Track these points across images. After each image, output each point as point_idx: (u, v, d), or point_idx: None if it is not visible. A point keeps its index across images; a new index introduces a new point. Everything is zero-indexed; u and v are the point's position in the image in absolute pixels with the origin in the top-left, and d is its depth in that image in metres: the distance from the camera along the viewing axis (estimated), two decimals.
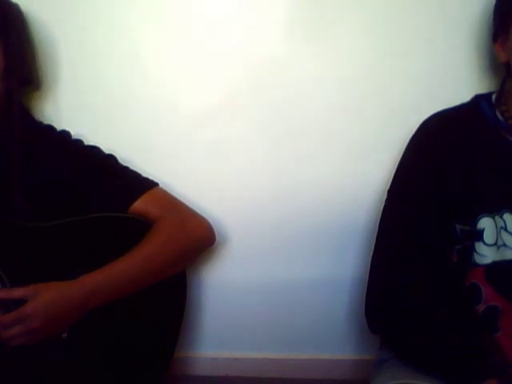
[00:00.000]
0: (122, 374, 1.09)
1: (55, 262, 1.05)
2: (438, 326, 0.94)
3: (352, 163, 1.26)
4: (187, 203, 1.19)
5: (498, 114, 1.00)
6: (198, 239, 1.17)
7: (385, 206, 1.04)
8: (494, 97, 1.03)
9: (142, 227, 1.09)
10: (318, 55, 1.22)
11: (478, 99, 1.04)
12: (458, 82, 1.19)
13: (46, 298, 0.97)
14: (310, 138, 1.26)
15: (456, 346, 0.92)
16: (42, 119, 1.20)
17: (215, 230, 1.19)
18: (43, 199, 1.08)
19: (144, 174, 1.17)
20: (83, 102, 1.26)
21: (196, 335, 1.35)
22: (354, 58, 1.22)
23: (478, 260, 0.97)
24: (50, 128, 1.17)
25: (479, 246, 0.96)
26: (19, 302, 0.97)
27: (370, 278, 1.02)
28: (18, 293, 0.98)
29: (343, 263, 1.29)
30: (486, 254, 0.96)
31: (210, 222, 1.19)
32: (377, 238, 1.04)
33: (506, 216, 0.95)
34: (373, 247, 1.04)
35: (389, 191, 1.05)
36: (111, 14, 1.22)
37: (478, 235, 0.96)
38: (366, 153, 1.23)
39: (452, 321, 0.94)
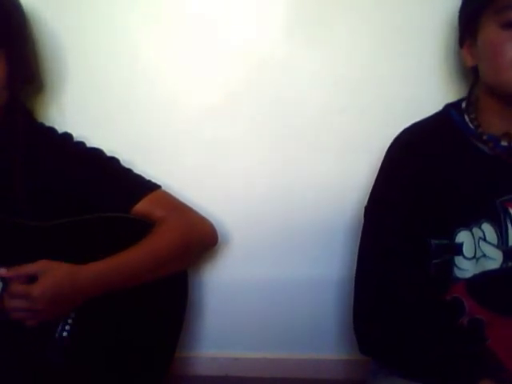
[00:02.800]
0: (122, 374, 1.10)
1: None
2: (426, 339, 0.93)
3: (352, 163, 1.25)
4: (187, 203, 1.19)
5: (468, 122, 0.98)
6: (201, 239, 1.18)
7: (364, 223, 1.04)
8: (463, 104, 1.01)
9: (144, 228, 1.10)
10: (317, 55, 1.21)
11: (447, 108, 1.02)
12: (458, 81, 1.18)
13: (55, 278, 0.98)
14: (310, 138, 1.25)
15: (447, 353, 0.91)
16: (46, 121, 1.21)
17: (217, 231, 1.20)
18: (45, 200, 1.09)
19: (145, 175, 1.17)
20: (85, 103, 1.26)
21: (196, 335, 1.36)
22: (353, 59, 1.21)
23: (459, 274, 0.96)
24: (52, 130, 1.17)
25: (459, 260, 0.95)
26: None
27: (354, 299, 1.02)
28: (29, 269, 0.99)
29: (347, 263, 1.28)
30: (466, 268, 0.95)
31: (213, 223, 1.19)
32: (358, 255, 1.03)
33: (485, 226, 0.94)
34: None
35: (366, 208, 1.04)
36: (112, 14, 1.22)
37: (458, 249, 0.95)
38: (365, 153, 1.22)
39: (440, 331, 0.94)
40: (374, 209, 1.02)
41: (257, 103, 1.25)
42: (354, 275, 1.02)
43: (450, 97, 1.10)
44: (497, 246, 0.94)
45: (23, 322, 0.99)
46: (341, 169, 1.26)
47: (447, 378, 0.91)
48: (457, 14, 1.03)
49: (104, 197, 1.12)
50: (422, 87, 1.20)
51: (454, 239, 0.95)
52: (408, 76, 1.21)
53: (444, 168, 0.97)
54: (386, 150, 1.05)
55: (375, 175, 1.04)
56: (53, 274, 0.98)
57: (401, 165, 1.00)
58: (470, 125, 0.98)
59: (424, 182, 0.97)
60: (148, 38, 1.23)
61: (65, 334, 1.04)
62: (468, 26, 0.97)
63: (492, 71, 0.93)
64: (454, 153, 0.97)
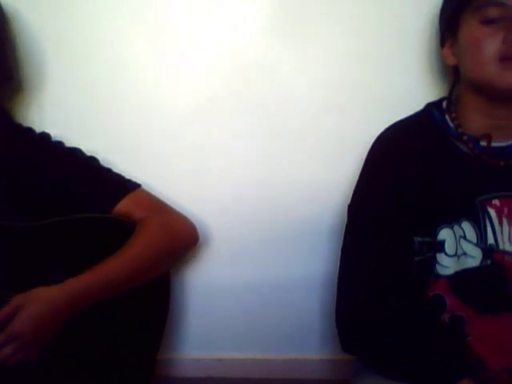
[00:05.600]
0: (105, 376, 1.09)
1: (38, 263, 1.05)
2: (408, 338, 0.93)
3: (338, 164, 1.25)
4: (171, 204, 1.19)
5: (449, 122, 0.99)
6: (181, 239, 1.17)
7: (347, 221, 1.03)
8: (444, 103, 1.02)
9: (125, 227, 1.09)
10: (303, 56, 1.22)
11: (429, 107, 1.03)
12: (444, 83, 1.18)
13: (31, 310, 0.97)
14: (295, 139, 1.25)
15: (431, 351, 0.92)
16: (24, 120, 1.21)
17: (198, 230, 1.19)
18: (24, 200, 1.09)
19: (128, 176, 1.17)
20: (67, 103, 1.25)
21: (179, 336, 1.35)
22: (339, 60, 1.22)
23: (441, 271, 0.96)
24: (30, 130, 1.16)
25: (441, 257, 0.96)
26: None
27: (337, 297, 1.01)
28: (6, 311, 0.97)
29: (330, 263, 1.27)
30: (448, 265, 0.96)
31: (194, 222, 1.19)
32: (341, 253, 1.03)
33: (465, 224, 0.95)
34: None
35: (349, 206, 1.04)
36: (97, 14, 1.22)
37: (440, 246, 0.96)
38: (351, 153, 1.22)
39: (421, 330, 0.94)
40: (357, 207, 1.03)
41: (242, 104, 1.25)
42: (337, 273, 1.02)
43: (437, 96, 1.09)
44: (476, 245, 0.95)
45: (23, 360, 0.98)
46: (326, 169, 1.26)
47: (427, 377, 0.91)
48: (437, 14, 1.04)
49: (84, 197, 1.11)
50: (406, 87, 1.21)
51: (436, 236, 0.96)
52: (391, 76, 1.21)
53: (425, 166, 0.97)
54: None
55: None
56: (28, 308, 0.97)
57: (383, 163, 1.01)
58: (451, 124, 0.99)
59: (406, 179, 0.97)
60: (132, 38, 1.23)
61: None
62: (449, 25, 0.99)
63: (473, 67, 0.94)
64: (435, 151, 0.98)
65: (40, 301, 0.98)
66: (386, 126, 1.05)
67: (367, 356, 1.00)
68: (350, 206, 1.04)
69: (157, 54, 1.23)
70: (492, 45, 0.91)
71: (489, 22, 0.91)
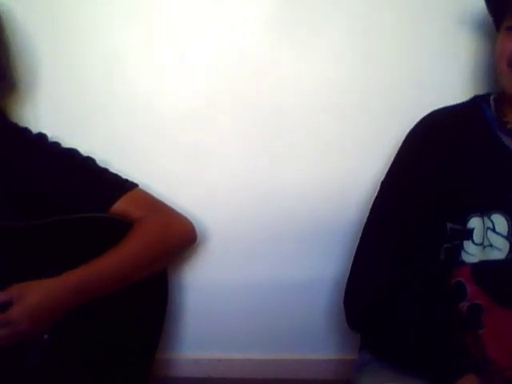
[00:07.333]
0: (102, 376, 1.08)
1: (35, 263, 1.04)
2: (417, 324, 0.95)
3: (335, 164, 1.27)
4: (170, 204, 1.19)
5: (495, 114, 1.02)
6: (179, 237, 1.17)
7: (376, 197, 1.05)
8: (492, 97, 1.05)
9: (123, 227, 1.09)
10: (301, 56, 1.23)
11: (476, 99, 1.06)
12: (442, 83, 1.21)
13: (31, 300, 0.97)
14: (293, 139, 1.26)
15: (435, 343, 0.93)
16: (19, 120, 1.19)
17: (197, 229, 1.19)
18: (23, 200, 1.08)
19: (126, 176, 1.16)
20: (63, 103, 1.25)
21: (178, 336, 1.35)
22: (336, 59, 1.23)
23: (466, 259, 0.98)
24: (26, 130, 1.16)
25: (468, 245, 0.97)
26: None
27: (351, 271, 1.02)
28: (2, 297, 0.97)
29: (328, 264, 1.29)
30: (473, 253, 0.97)
31: (192, 222, 1.19)
32: (363, 230, 1.04)
33: (495, 217, 0.97)
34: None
35: (382, 182, 1.06)
36: (93, 13, 1.21)
37: (468, 234, 0.97)
38: (348, 154, 1.25)
39: (433, 319, 0.95)
40: (389, 185, 1.04)
41: (240, 104, 1.26)
42: (356, 247, 1.03)
43: (440, 97, 1.11)
44: (506, 238, 0.96)
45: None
46: (327, 170, 1.28)
47: (429, 369, 0.93)
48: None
49: (81, 197, 1.10)
50: (408, 87, 1.23)
51: (466, 224, 0.98)
52: (393, 76, 1.23)
53: (466, 155, 0.99)
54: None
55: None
56: (28, 296, 0.97)
57: (423, 145, 1.02)
58: (497, 117, 1.01)
59: (444, 165, 0.99)
60: (131, 38, 1.22)
61: (45, 336, 1.02)
62: (496, 26, 1.05)
63: (497, 68, 1.00)
64: (478, 142, 1.00)
65: (38, 292, 0.98)
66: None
67: (371, 335, 1.02)
68: (382, 183, 1.05)
69: (153, 54, 1.23)
70: (507, 49, 0.96)
71: (510, 28, 0.97)
